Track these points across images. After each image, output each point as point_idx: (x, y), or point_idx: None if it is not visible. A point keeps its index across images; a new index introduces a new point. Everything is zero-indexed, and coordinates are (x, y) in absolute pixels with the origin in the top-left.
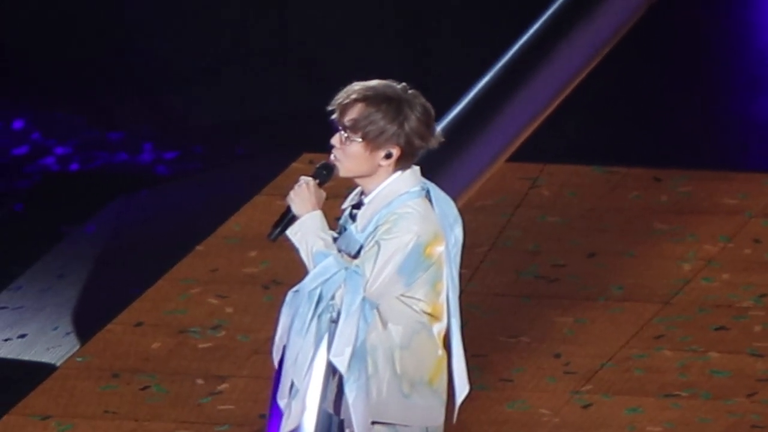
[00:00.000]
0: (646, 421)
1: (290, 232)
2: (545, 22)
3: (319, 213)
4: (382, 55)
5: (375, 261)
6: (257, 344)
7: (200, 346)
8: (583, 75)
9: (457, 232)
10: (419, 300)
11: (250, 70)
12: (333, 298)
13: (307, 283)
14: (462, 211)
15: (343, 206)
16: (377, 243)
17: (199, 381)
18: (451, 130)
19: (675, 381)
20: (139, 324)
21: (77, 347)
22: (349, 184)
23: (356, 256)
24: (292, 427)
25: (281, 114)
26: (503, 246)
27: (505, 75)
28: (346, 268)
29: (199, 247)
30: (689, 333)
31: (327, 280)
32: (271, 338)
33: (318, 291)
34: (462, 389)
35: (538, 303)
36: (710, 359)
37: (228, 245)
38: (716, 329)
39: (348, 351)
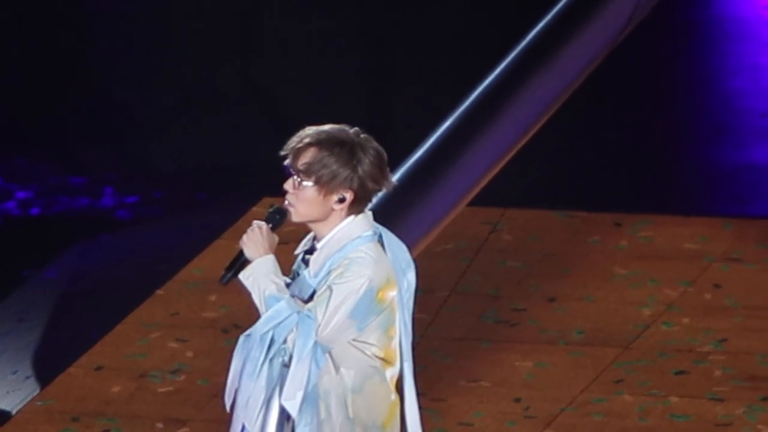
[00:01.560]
0: None
1: (242, 276)
2: (506, 67)
3: (271, 257)
4: (344, 100)
5: (327, 305)
6: (217, 388)
7: (160, 390)
8: (545, 119)
9: (410, 277)
10: (372, 345)
11: (211, 116)
12: (285, 341)
13: (259, 327)
14: (422, 256)
15: (296, 252)
16: (329, 287)
17: (159, 425)
18: (412, 175)
19: (635, 425)
20: (99, 368)
21: (37, 391)
22: (303, 230)
23: (309, 300)
24: None
25: (242, 159)
26: (463, 291)
27: (466, 120)
28: (299, 312)
29: (159, 292)
30: (649, 377)
31: (279, 323)
32: (224, 382)
33: (270, 335)
34: None
35: (498, 347)
36: (670, 404)
37: (188, 289)
38: (676, 374)
39: (299, 395)
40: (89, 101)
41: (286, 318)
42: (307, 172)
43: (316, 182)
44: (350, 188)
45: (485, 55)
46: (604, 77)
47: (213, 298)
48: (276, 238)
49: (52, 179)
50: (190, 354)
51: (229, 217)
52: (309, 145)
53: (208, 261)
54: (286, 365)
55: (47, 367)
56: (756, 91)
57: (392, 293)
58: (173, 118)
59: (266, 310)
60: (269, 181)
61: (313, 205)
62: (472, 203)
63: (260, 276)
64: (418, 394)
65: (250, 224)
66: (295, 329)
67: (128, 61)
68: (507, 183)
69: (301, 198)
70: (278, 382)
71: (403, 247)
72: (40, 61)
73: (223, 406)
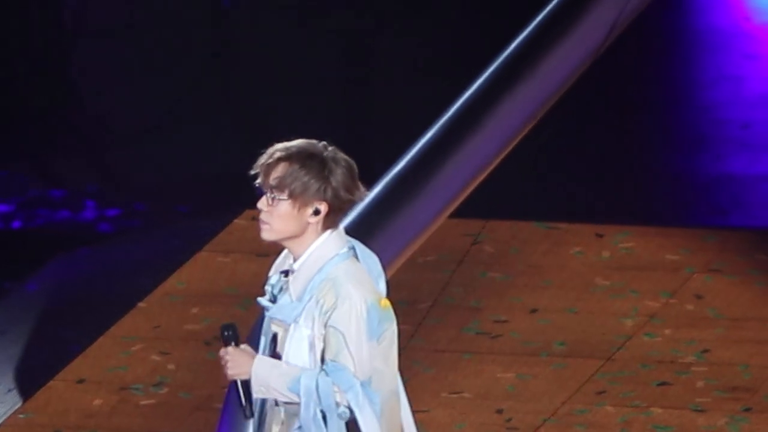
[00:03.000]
0: None
1: (258, 394)
2: (487, 78)
3: (258, 357)
4: (325, 111)
5: (348, 348)
6: (199, 401)
7: (142, 402)
8: (525, 131)
9: (381, 287)
10: (395, 358)
11: (191, 128)
12: (338, 404)
13: (305, 414)
14: (404, 268)
15: (270, 273)
16: (336, 329)
17: None
18: (393, 187)
19: None
20: (81, 381)
21: (19, 404)
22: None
23: (293, 322)
24: None
25: (223, 171)
26: (445, 302)
27: (447, 131)
28: (323, 372)
29: (141, 304)
30: (631, 388)
31: (319, 397)
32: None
33: (319, 414)
34: None
35: (480, 359)
36: (652, 415)
37: (170, 302)
38: (658, 385)
39: None
40: (69, 114)
41: (318, 386)
42: (279, 187)
43: (290, 195)
44: (324, 199)
45: (467, 65)
46: (585, 89)
47: (195, 310)
48: (246, 347)
49: (33, 192)
50: (172, 367)
51: (211, 229)
52: (279, 160)
53: (190, 273)
54: (349, 420)
55: (29, 380)
56: (736, 102)
57: (386, 299)
58: (154, 131)
59: (299, 397)
60: (250, 193)
61: (288, 219)
62: (453, 215)
63: (268, 379)
64: (410, 402)
65: (232, 236)
66: (337, 388)
67: (108, 73)
68: (488, 194)
69: (276, 214)
70: None
71: (375, 258)
72: (19, 74)
73: (213, 418)
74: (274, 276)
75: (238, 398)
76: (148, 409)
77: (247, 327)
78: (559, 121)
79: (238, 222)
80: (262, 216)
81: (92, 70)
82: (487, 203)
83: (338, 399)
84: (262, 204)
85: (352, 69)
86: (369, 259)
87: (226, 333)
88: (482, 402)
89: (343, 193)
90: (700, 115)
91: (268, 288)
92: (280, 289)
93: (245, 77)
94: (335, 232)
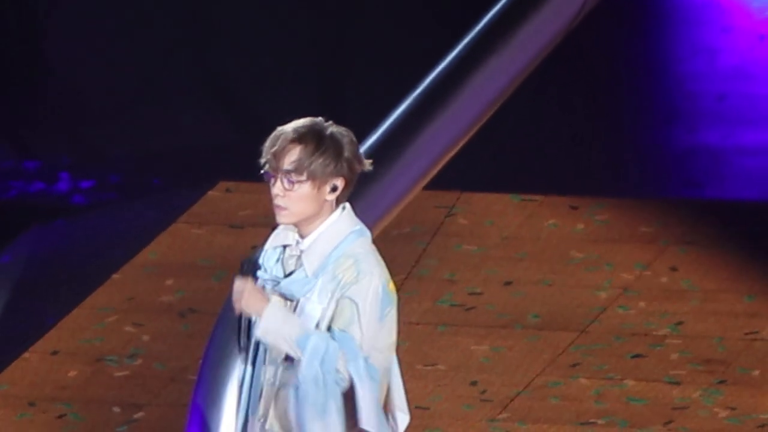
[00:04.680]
0: None
1: (262, 335)
2: (461, 50)
3: (274, 302)
4: (297, 84)
5: (359, 321)
6: (174, 372)
7: (117, 374)
8: (500, 103)
9: None
10: (395, 334)
11: (165, 101)
12: (338, 371)
13: (306, 371)
14: (378, 240)
15: (266, 247)
16: (352, 301)
17: (116, 409)
18: (367, 159)
19: (591, 409)
20: (55, 352)
21: None
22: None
23: (302, 297)
24: None
25: (197, 143)
26: (419, 275)
27: (421, 103)
28: (332, 338)
29: (115, 276)
30: (605, 361)
31: (323, 359)
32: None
33: (321, 373)
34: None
35: (454, 331)
36: (627, 387)
37: (145, 273)
38: (633, 357)
39: (375, 414)
40: (44, 86)
41: (327, 349)
42: (298, 170)
43: (310, 177)
44: (341, 175)
45: (439, 40)
46: (560, 61)
47: (169, 282)
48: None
49: (7, 164)
50: (146, 338)
51: (185, 201)
52: (292, 142)
53: (165, 245)
54: (345, 391)
55: (3, 352)
56: (710, 75)
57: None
58: (128, 103)
59: (302, 353)
60: (224, 165)
61: (309, 200)
62: (427, 187)
63: (278, 325)
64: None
65: (206, 208)
66: (341, 355)
67: (83, 45)
68: (463, 166)
69: (296, 197)
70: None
71: None
72: None
73: (187, 390)
74: (271, 250)
75: (238, 329)
76: (123, 380)
77: (220, 299)
78: (532, 94)
79: (213, 194)
80: (279, 201)
81: (67, 42)
82: (461, 175)
83: (339, 366)
84: (278, 189)
85: (327, 40)
86: None
87: (246, 266)
88: (456, 374)
89: (356, 166)
90: (675, 87)
91: (268, 263)
92: (277, 261)
93: (219, 49)
94: (346, 210)
